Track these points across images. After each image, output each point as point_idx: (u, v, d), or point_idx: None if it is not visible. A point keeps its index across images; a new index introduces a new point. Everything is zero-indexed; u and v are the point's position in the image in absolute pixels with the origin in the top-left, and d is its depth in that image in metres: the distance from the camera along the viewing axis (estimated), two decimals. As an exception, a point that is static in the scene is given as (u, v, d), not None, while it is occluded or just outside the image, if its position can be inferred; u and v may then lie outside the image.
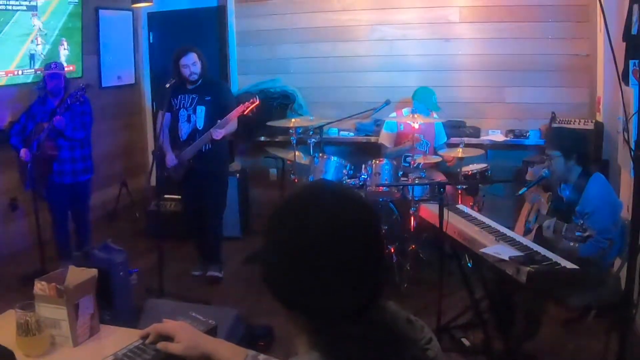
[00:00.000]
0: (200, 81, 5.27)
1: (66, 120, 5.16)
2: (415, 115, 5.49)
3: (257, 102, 5.28)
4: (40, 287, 2.02)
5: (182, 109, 5.29)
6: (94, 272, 2.11)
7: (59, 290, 1.99)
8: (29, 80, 6.09)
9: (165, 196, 6.56)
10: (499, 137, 6.42)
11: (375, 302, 1.18)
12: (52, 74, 5.27)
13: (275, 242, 1.17)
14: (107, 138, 7.02)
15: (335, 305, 1.13)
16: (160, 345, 1.67)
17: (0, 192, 6.02)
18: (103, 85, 7.21)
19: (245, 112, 5.26)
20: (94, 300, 2.12)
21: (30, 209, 5.53)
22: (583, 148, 3.91)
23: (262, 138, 7.01)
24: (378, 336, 1.15)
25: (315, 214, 1.15)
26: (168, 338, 1.68)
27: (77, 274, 2.10)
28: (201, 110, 5.25)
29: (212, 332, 1.89)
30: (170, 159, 5.33)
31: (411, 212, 5.36)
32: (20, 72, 6.02)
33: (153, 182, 6.34)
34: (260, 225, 6.64)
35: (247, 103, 5.24)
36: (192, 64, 5.16)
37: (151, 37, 7.82)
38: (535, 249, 3.43)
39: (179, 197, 6.08)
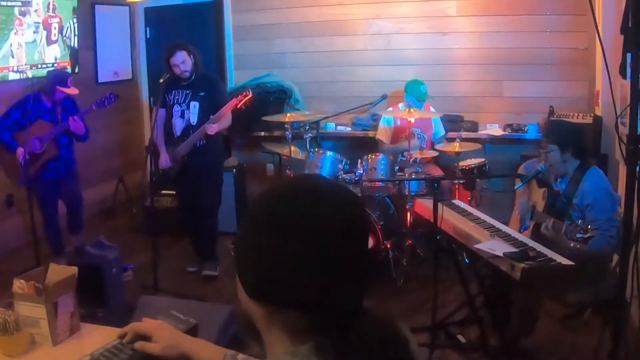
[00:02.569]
0: (193, 77, 5.22)
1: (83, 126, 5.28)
2: (412, 110, 5.45)
3: (250, 95, 5.24)
4: (19, 285, 1.99)
5: (175, 105, 5.26)
6: (73, 270, 2.08)
7: (38, 288, 1.96)
8: (22, 77, 6.04)
9: (163, 192, 6.55)
10: (497, 131, 6.37)
11: (362, 309, 1.15)
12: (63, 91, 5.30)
13: (276, 240, 1.09)
14: (103, 134, 6.97)
15: (339, 300, 1.09)
16: (138, 344, 1.66)
17: (-5, 189, 5.98)
18: (99, 81, 7.16)
19: (238, 106, 5.23)
20: (73, 298, 2.09)
21: (27, 206, 5.49)
22: (579, 141, 3.87)
23: (259, 133, 6.96)
24: (380, 333, 1.12)
25: (326, 209, 1.10)
26: (146, 337, 1.67)
27: (58, 272, 2.07)
28: (195, 105, 5.21)
29: (192, 330, 1.87)
30: (164, 160, 5.30)
31: (407, 207, 5.32)
32: (14, 69, 5.98)
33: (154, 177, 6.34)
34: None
35: (239, 97, 5.21)
36: (181, 63, 5.11)
37: (148, 32, 7.78)
38: (530, 245, 3.39)
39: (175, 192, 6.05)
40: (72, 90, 5.34)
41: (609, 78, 2.48)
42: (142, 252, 5.62)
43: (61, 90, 5.28)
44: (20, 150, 5.14)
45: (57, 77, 5.38)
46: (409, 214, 5.37)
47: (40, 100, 5.33)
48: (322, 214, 1.09)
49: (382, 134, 6.12)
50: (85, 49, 6.95)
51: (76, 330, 2.11)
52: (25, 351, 1.97)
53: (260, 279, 1.12)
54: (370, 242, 5.12)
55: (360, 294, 1.13)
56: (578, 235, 3.19)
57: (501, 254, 3.22)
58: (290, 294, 1.09)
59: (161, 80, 5.08)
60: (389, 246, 5.15)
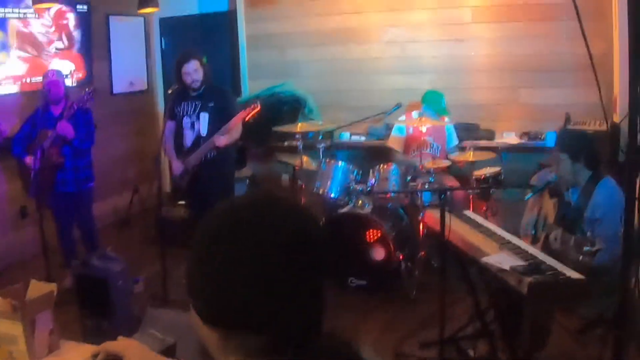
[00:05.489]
0: (203, 88, 5.22)
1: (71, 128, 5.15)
2: (424, 119, 5.37)
3: (258, 108, 5.20)
4: (-4, 302, 1.95)
5: (185, 116, 5.27)
6: (52, 287, 2.04)
7: (14, 305, 1.92)
8: (37, 88, 6.08)
9: (178, 202, 6.53)
10: (513, 139, 6.26)
11: (320, 327, 1.12)
12: (50, 82, 5.25)
13: (222, 259, 1.06)
14: (119, 144, 7.00)
15: (292, 324, 1.06)
16: None
17: (11, 200, 6.02)
18: (114, 92, 7.19)
19: (246, 119, 5.20)
20: (52, 316, 2.04)
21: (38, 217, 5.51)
22: (591, 150, 3.76)
23: (273, 143, 6.91)
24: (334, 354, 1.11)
25: (273, 230, 1.06)
26: (119, 357, 1.63)
27: (38, 289, 2.03)
28: (204, 116, 5.21)
29: (169, 350, 1.84)
30: (177, 166, 5.32)
31: (420, 217, 5.24)
32: (28, 80, 6.01)
33: (167, 188, 6.32)
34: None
35: (248, 109, 5.18)
36: (193, 71, 5.12)
37: (163, 43, 7.80)
38: (540, 258, 3.29)
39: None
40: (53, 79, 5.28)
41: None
42: (155, 263, 5.58)
43: (46, 84, 5.24)
44: (30, 159, 5.15)
45: (43, 75, 5.41)
46: (421, 225, 5.28)
47: (49, 110, 5.31)
48: (265, 234, 1.06)
49: (394, 142, 6.06)
50: (100, 59, 6.97)
51: (55, 348, 2.07)
52: (1, 368, 1.94)
53: (210, 303, 1.09)
54: (382, 254, 5.06)
55: (310, 319, 1.10)
56: (585, 249, 3.08)
57: (508, 268, 3.13)
58: (236, 317, 1.06)
59: (169, 91, 5.09)
60: (401, 257, 5.05)
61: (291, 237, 1.06)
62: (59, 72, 5.43)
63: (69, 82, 6.17)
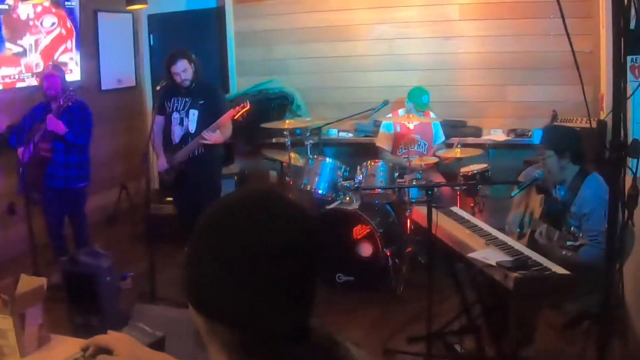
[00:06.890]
0: (193, 85, 5.21)
1: (65, 124, 5.12)
2: (411, 116, 5.40)
3: (248, 107, 5.20)
4: (-14, 297, 1.95)
5: (174, 112, 5.26)
6: (42, 281, 2.04)
7: (4, 300, 1.92)
8: (26, 85, 6.06)
9: (167, 199, 6.52)
10: (500, 136, 6.30)
11: (307, 323, 1.12)
12: (47, 75, 5.24)
13: (213, 251, 1.07)
14: (107, 141, 6.98)
15: (273, 323, 1.06)
16: (99, 358, 1.62)
17: (-1, 196, 5.99)
18: (103, 89, 7.18)
19: (235, 117, 5.20)
20: (41, 310, 2.05)
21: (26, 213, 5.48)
22: (576, 146, 3.79)
23: (261, 140, 6.90)
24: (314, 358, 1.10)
25: (265, 226, 1.06)
26: (109, 350, 1.64)
27: (28, 284, 2.03)
28: (194, 113, 5.20)
29: (158, 343, 1.84)
30: (161, 163, 5.31)
31: (407, 214, 5.27)
32: (16, 76, 5.99)
33: (155, 185, 6.30)
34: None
35: (237, 107, 5.19)
36: (182, 71, 5.11)
37: (152, 40, 7.78)
38: (526, 254, 3.33)
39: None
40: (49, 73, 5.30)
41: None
42: (143, 260, 5.57)
43: (43, 77, 5.26)
44: (20, 150, 5.15)
45: (42, 69, 5.47)
46: (409, 221, 5.31)
47: (49, 106, 5.27)
48: (256, 233, 1.05)
49: (382, 140, 6.08)
50: (88, 56, 6.96)
51: (45, 341, 2.08)
52: (-10, 362, 1.94)
53: (192, 288, 1.10)
54: (370, 250, 5.08)
55: (296, 319, 1.09)
56: (568, 243, 3.12)
57: (494, 263, 3.16)
58: (218, 309, 1.07)
59: (158, 88, 5.08)
60: (388, 254, 5.08)
61: (283, 244, 1.05)
62: (56, 67, 5.45)
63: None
